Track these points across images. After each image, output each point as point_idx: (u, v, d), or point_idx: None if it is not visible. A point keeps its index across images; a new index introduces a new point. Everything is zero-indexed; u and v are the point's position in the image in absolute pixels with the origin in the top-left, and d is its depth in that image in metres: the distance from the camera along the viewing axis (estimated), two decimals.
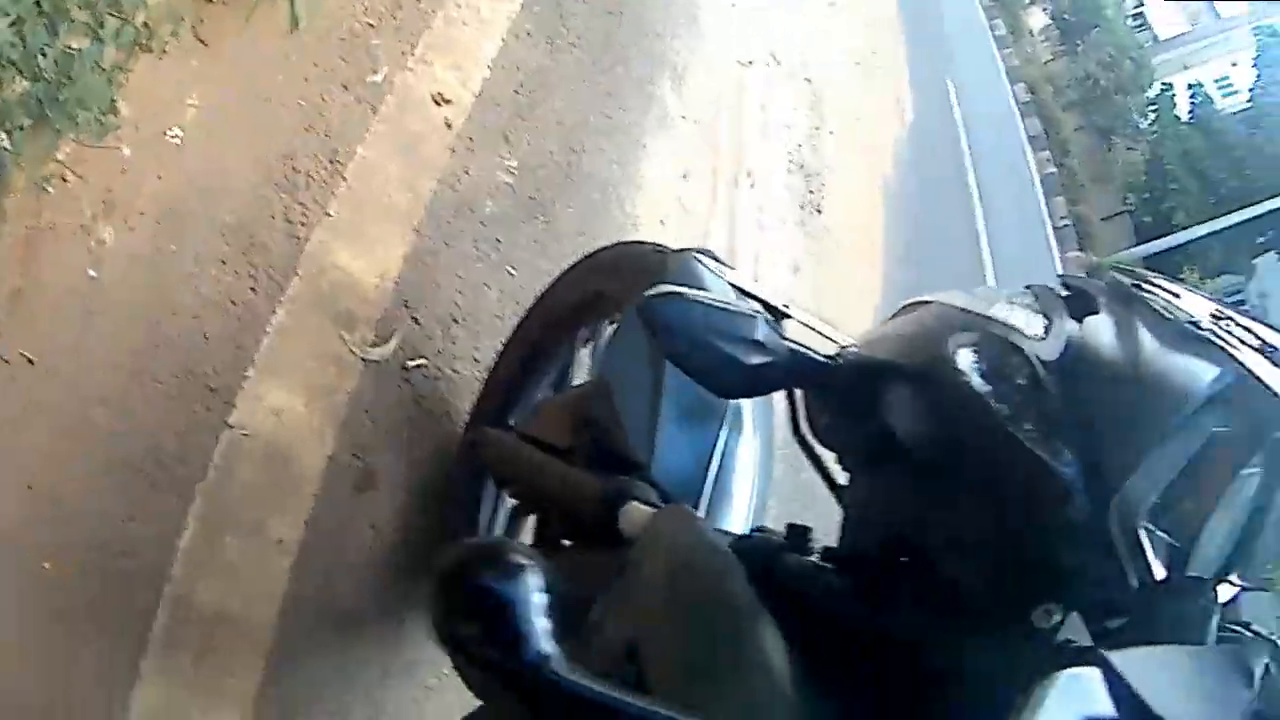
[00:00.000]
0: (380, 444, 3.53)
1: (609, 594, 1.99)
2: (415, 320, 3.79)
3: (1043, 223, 26.12)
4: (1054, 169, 28.93)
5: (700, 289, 2.06)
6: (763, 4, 8.28)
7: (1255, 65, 37.05)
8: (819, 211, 7.66)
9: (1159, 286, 1.80)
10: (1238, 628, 1.57)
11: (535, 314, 3.52)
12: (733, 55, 7.43)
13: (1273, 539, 1.59)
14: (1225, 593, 1.58)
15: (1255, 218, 27.87)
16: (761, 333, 1.90)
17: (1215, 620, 1.47)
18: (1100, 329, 1.64)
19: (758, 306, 2.41)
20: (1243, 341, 1.59)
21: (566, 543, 2.85)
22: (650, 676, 1.60)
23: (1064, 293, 1.81)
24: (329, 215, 3.59)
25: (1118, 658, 1.18)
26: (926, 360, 1.68)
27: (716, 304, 1.95)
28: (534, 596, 1.36)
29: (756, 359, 1.88)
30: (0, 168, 2.67)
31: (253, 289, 3.29)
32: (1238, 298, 37.12)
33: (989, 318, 1.69)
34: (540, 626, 1.31)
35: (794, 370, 1.92)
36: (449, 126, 4.28)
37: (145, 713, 2.78)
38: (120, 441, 2.90)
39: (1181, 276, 31.59)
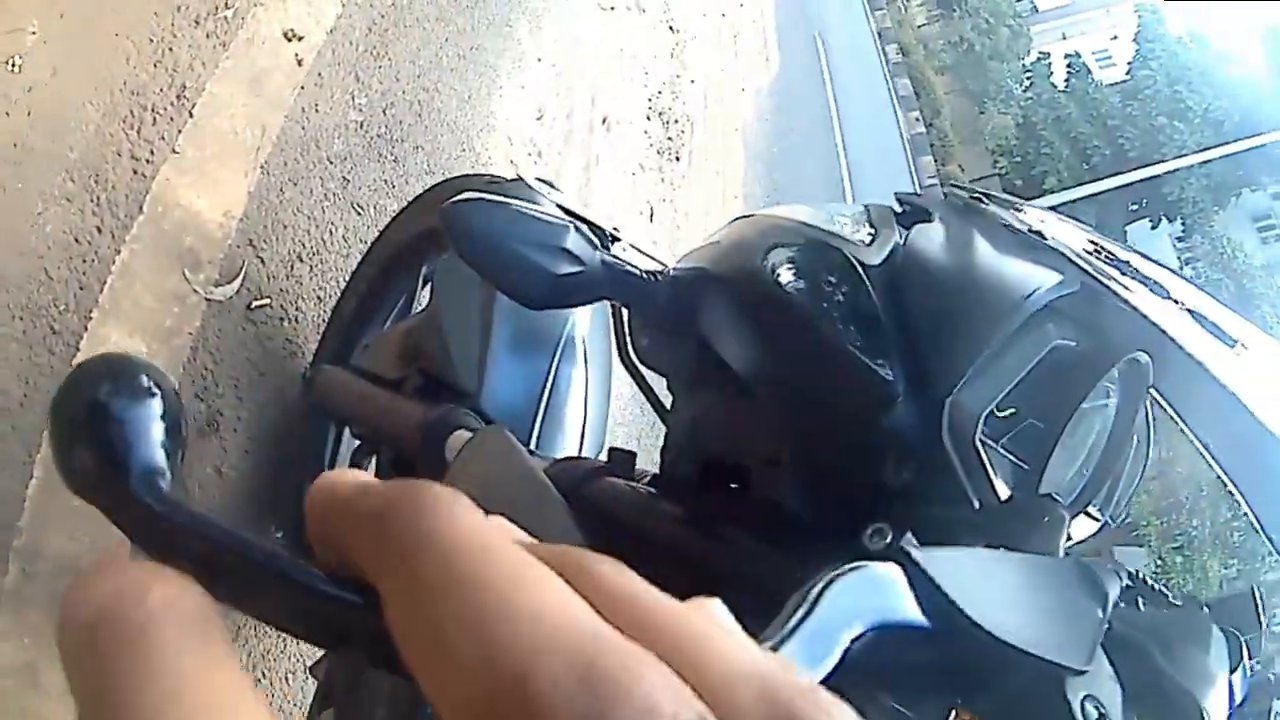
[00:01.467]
0: (224, 386, 3.48)
1: None
2: (260, 259, 3.73)
3: (910, 179, 26.34)
4: (923, 129, 29.24)
5: (518, 199, 2.02)
6: None
7: (1135, 40, 37.75)
8: (677, 159, 7.66)
9: (1009, 204, 1.75)
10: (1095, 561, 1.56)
11: (375, 251, 3.49)
12: (595, 1, 7.40)
13: (1131, 474, 1.59)
14: (1086, 528, 1.59)
15: (1128, 185, 28.35)
16: (571, 241, 1.85)
17: (1065, 531, 1.42)
18: (930, 235, 1.59)
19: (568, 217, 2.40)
20: (1105, 260, 1.55)
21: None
22: None
23: (899, 209, 1.74)
24: (175, 152, 3.52)
25: (924, 555, 1.06)
26: (741, 267, 1.62)
27: (523, 210, 1.90)
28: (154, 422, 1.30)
29: (565, 268, 1.83)
30: None
31: (97, 228, 3.22)
32: None
33: (810, 225, 1.63)
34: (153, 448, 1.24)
35: (607, 282, 1.86)
36: (300, 63, 4.21)
37: (1, 670, 2.73)
38: None
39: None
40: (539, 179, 2.79)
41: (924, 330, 1.42)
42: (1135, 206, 36.00)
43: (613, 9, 7.61)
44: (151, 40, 3.57)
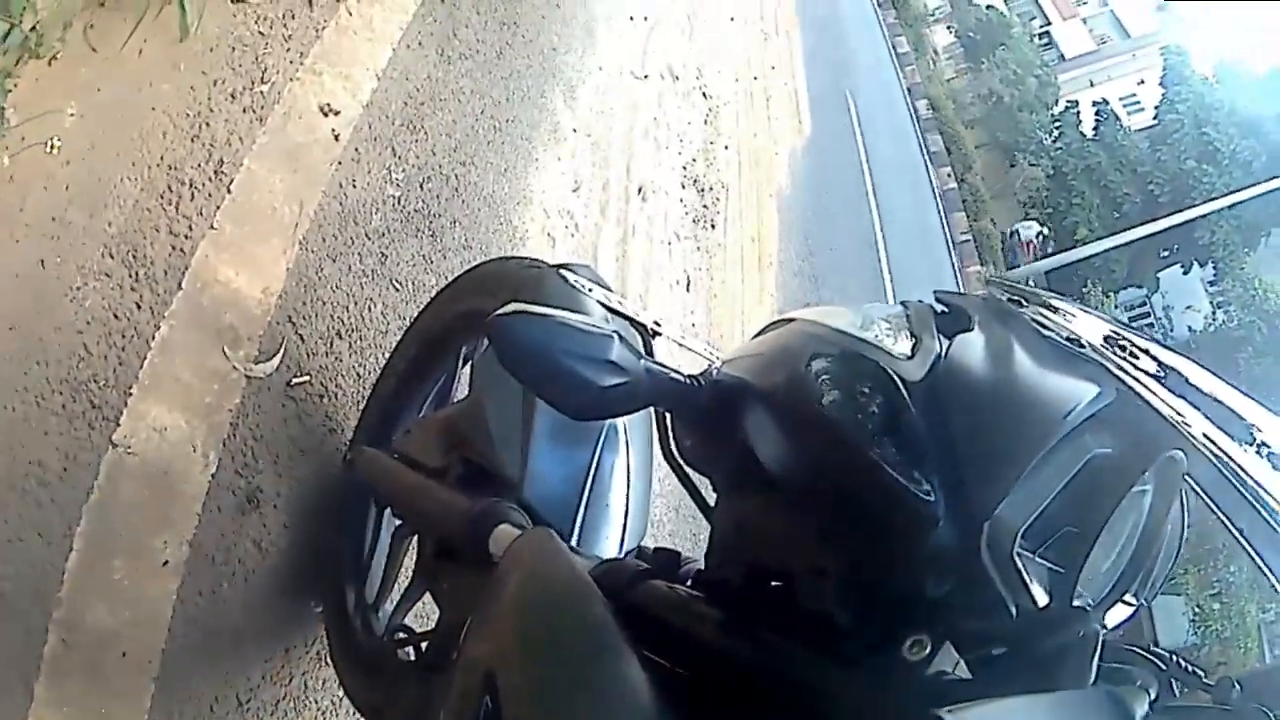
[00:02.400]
0: (264, 462, 3.49)
1: (474, 619, 1.96)
2: (299, 336, 3.75)
3: (943, 238, 26.32)
4: (954, 184, 29.27)
5: (561, 307, 2.02)
6: (663, 19, 8.28)
7: (1162, 84, 37.81)
8: (712, 226, 7.68)
9: (1047, 305, 1.74)
10: (1130, 650, 1.57)
11: (414, 331, 3.50)
12: (628, 69, 7.43)
13: (1166, 558, 1.57)
14: (1120, 614, 1.57)
15: (1159, 232, 28.38)
16: (615, 353, 1.84)
17: (1097, 648, 1.41)
18: (971, 347, 1.58)
19: (620, 325, 2.39)
20: (1131, 362, 1.55)
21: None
22: (505, 705, 1.56)
23: (939, 309, 1.75)
24: (213, 228, 3.55)
25: (957, 716, 1.13)
26: (782, 380, 1.61)
27: (567, 322, 1.90)
28: None
29: (609, 380, 1.82)
30: None
31: (137, 304, 3.24)
32: (1141, 310, 37.73)
33: (852, 336, 1.62)
34: None
35: (651, 391, 1.86)
36: (336, 138, 4.24)
37: None
38: (3, 460, 2.84)
39: (1085, 290, 32.20)
40: (577, 266, 2.81)
41: (964, 448, 1.43)
42: (1166, 253, 36.00)
43: (646, 77, 7.64)
44: (188, 115, 3.61)
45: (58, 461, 2.95)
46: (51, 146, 3.13)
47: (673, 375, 1.86)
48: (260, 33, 4.04)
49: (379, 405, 3.53)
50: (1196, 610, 27.05)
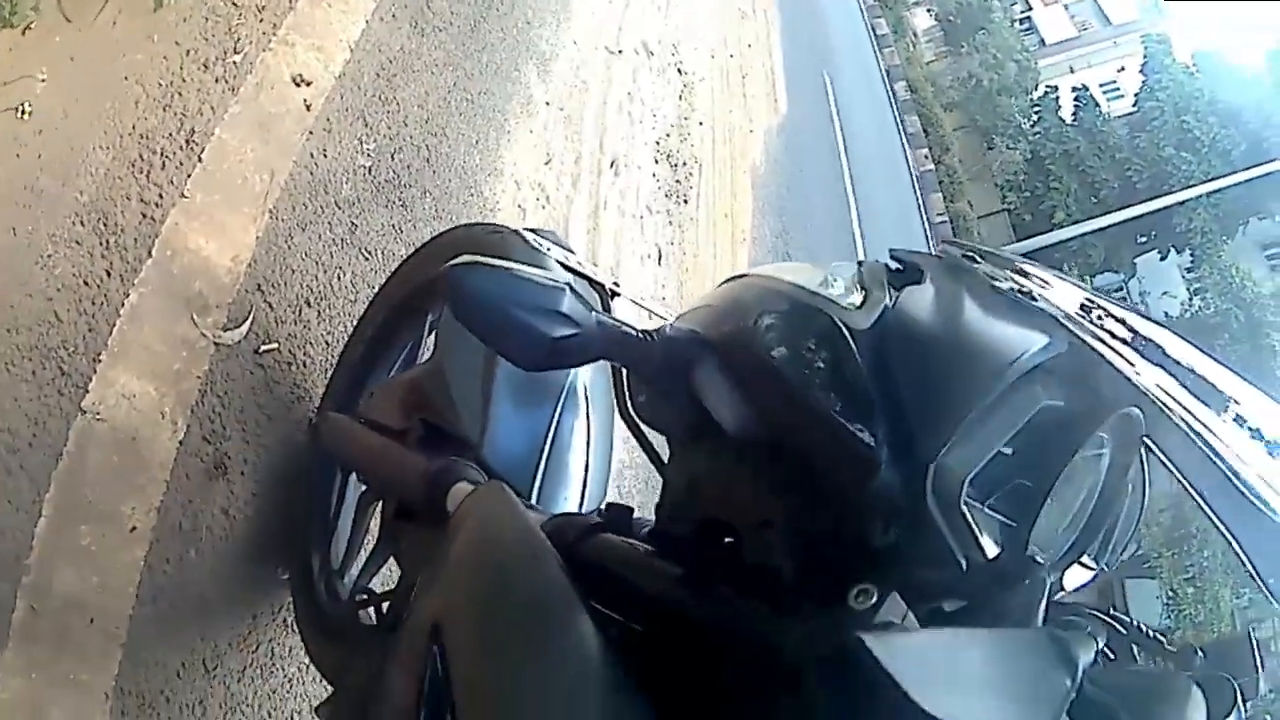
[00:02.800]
0: (232, 429, 3.50)
1: (424, 574, 1.98)
2: (268, 304, 3.76)
3: (919, 218, 26.30)
4: (932, 166, 29.23)
5: (519, 263, 2.04)
6: None
7: (1142, 71, 37.75)
8: (685, 201, 7.67)
9: (1017, 269, 1.76)
10: (1090, 612, 1.56)
11: (381, 298, 3.52)
12: (603, 44, 7.43)
13: (1127, 521, 1.59)
14: (1078, 576, 1.59)
15: (1137, 218, 28.38)
16: (566, 304, 1.88)
17: (1044, 595, 1.40)
18: (919, 297, 1.61)
19: (578, 284, 2.40)
20: (1097, 323, 1.56)
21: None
22: (452, 659, 1.57)
23: (893, 266, 1.77)
24: (184, 197, 3.56)
25: (882, 643, 1.11)
26: (730, 332, 1.64)
27: (519, 274, 1.93)
28: None
29: (560, 330, 1.85)
30: None
31: (107, 271, 3.25)
32: (1118, 295, 37.88)
33: (802, 288, 1.65)
34: None
35: (603, 345, 1.87)
36: (308, 108, 4.25)
37: (7, 705, 2.73)
38: None
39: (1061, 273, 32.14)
40: (541, 230, 2.81)
41: (909, 394, 1.45)
42: (1144, 239, 36.00)
43: (620, 52, 7.64)
44: (161, 85, 3.62)
45: (27, 428, 2.96)
46: (23, 112, 3.13)
47: (624, 328, 1.87)
48: (234, 3, 4.06)
49: (346, 372, 3.54)
50: (1170, 594, 27.15)
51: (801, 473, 1.48)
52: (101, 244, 3.27)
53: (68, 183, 3.24)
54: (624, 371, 2.07)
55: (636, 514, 1.91)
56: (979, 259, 1.78)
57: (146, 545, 3.16)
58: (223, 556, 3.40)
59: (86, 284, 3.20)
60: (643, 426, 2.03)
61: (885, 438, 1.41)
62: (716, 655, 1.52)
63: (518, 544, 1.79)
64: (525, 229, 2.82)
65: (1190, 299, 33.76)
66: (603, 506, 2.01)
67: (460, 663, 1.57)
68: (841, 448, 1.41)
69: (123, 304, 3.27)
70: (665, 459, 1.89)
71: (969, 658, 1.23)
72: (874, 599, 1.35)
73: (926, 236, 25.37)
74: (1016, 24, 45.18)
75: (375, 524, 3.16)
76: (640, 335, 1.84)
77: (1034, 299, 1.61)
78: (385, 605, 2.81)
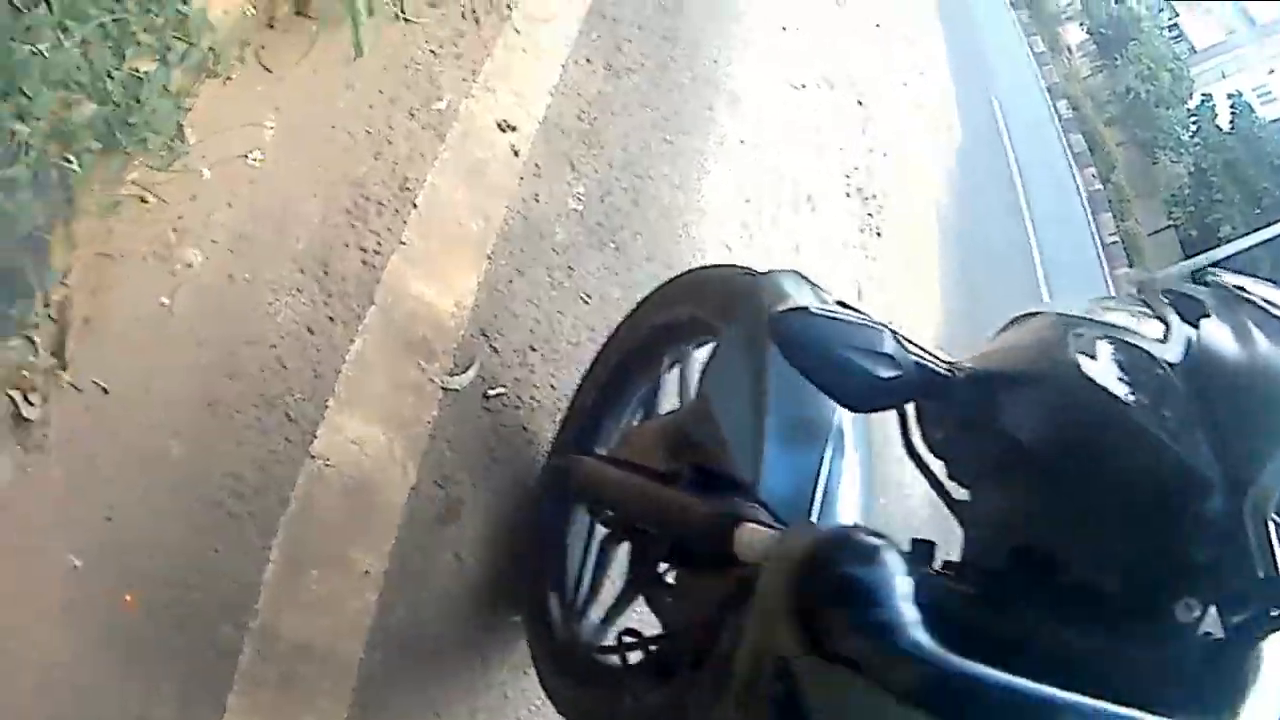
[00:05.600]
0: (462, 473, 3.53)
1: (739, 616, 1.95)
2: (493, 348, 3.80)
3: (1092, 240, 25.99)
4: (1100, 185, 28.84)
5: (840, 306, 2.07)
6: (812, 27, 8.26)
7: None
8: (879, 234, 7.62)
9: (1256, 289, 1.79)
10: None
11: (618, 340, 3.53)
12: (785, 79, 7.42)
13: None
14: None
15: None
16: (889, 345, 1.89)
17: None
18: (1216, 330, 1.65)
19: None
20: None
21: (665, 569, 2.82)
22: (808, 693, 1.56)
23: (1170, 299, 1.80)
24: (403, 243, 3.61)
25: None
26: (1051, 366, 1.68)
27: (844, 318, 1.94)
28: (899, 581, 1.41)
29: (886, 371, 1.87)
30: (68, 190, 2.65)
31: (330, 318, 3.30)
32: None
33: (1105, 323, 1.70)
34: (910, 611, 1.37)
35: (919, 383, 1.90)
36: (515, 153, 4.29)
37: None
38: (198, 473, 2.90)
39: None
40: (793, 272, 2.78)
41: (1226, 422, 1.50)
42: None
43: (804, 86, 7.62)
44: (368, 133, 3.69)
45: (253, 474, 3.00)
46: (250, 160, 3.18)
47: (935, 366, 1.92)
48: (432, 52, 4.11)
49: (582, 413, 3.54)
50: None
51: (1133, 495, 1.54)
52: (323, 291, 3.31)
53: (283, 230, 3.30)
54: (912, 409, 2.06)
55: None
56: (1246, 291, 1.81)
57: (378, 590, 3.20)
58: (454, 600, 3.43)
59: (310, 331, 3.24)
60: (926, 461, 2.03)
61: (1211, 460, 1.46)
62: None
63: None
64: (779, 270, 2.80)
65: None
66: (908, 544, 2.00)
67: (817, 698, 1.56)
68: (1178, 469, 1.47)
69: (347, 350, 3.32)
70: (956, 496, 1.91)
71: None
72: (1197, 611, 1.43)
73: (1099, 258, 25.05)
74: (1166, 31, 44.62)
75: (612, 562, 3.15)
76: (949, 373, 1.88)
77: None
78: (651, 646, 2.77)
